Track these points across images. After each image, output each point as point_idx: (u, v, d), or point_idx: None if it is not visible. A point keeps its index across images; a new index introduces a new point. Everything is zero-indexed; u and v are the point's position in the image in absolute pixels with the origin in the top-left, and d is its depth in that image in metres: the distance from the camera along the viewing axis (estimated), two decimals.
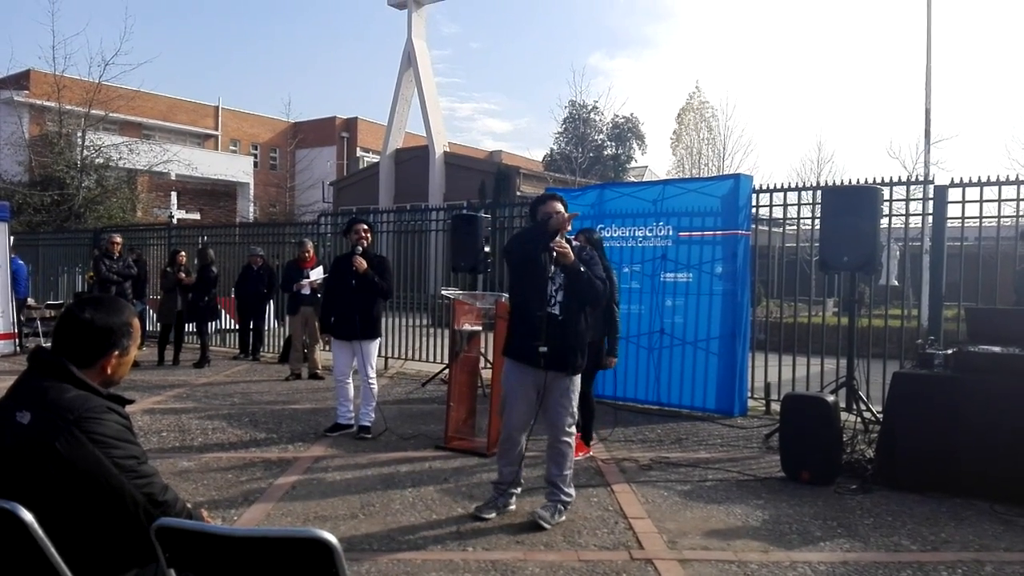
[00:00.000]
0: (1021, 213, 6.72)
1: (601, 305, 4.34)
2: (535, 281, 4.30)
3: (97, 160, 24.15)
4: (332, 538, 1.70)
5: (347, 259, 6.54)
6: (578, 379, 4.46)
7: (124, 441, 2.10)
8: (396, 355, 11.05)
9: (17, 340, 12.02)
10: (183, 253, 11.34)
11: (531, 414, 4.45)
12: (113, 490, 2.03)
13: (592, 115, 34.23)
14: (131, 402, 2.32)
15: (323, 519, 4.43)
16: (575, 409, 4.45)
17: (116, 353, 2.25)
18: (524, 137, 77.22)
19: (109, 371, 2.25)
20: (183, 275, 10.86)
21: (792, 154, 66.38)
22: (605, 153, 34.89)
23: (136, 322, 2.36)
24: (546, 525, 4.26)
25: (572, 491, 4.52)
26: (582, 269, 4.18)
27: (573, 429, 4.48)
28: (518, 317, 4.44)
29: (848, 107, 55.12)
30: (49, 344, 2.32)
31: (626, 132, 35.39)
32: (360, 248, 6.50)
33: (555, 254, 4.14)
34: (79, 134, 23.93)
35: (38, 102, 25.72)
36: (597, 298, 4.32)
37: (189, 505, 2.26)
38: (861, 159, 49.94)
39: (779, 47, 59.35)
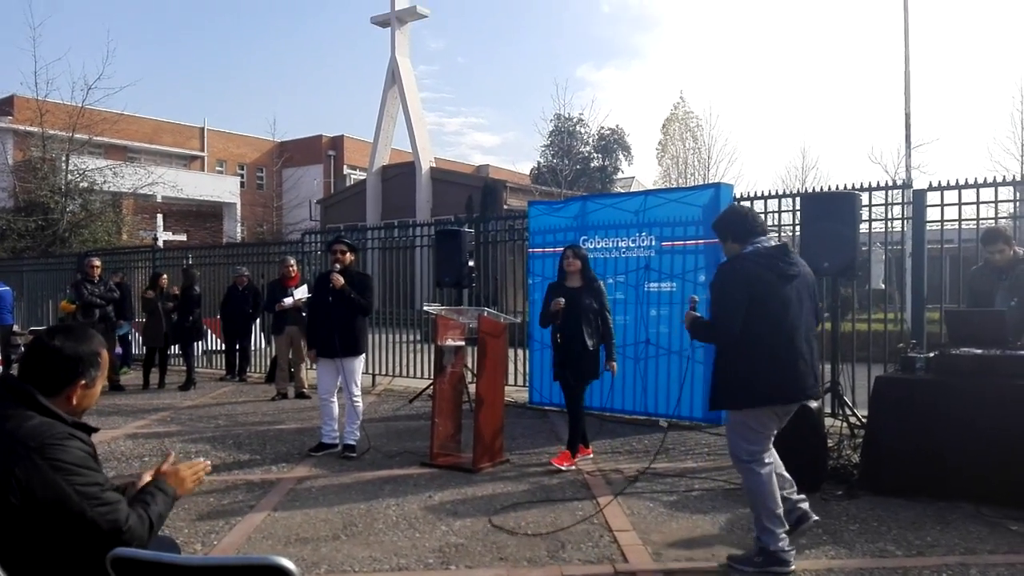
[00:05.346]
0: (1000, 215, 6.75)
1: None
2: None
3: (81, 184, 23.99)
4: (291, 564, 1.67)
5: (327, 277, 6.52)
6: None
7: (86, 468, 2.08)
8: (384, 372, 11.00)
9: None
10: (165, 276, 11.28)
11: None
12: (74, 517, 2.01)
13: (578, 127, 34.40)
14: (96, 430, 2.30)
15: (304, 541, 4.38)
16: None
17: (83, 383, 2.24)
18: (512, 151, 77.62)
19: (75, 401, 2.24)
20: (151, 293, 10.81)
21: (777, 161, 66.84)
22: (592, 165, 35.04)
23: (105, 353, 2.35)
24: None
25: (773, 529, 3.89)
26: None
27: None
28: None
29: (831, 113, 55.70)
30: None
31: (612, 144, 35.60)
32: (337, 267, 6.49)
33: None
34: (63, 158, 23.78)
35: (21, 128, 25.64)
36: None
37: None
38: (845, 165, 50.42)
39: (763, 55, 59.86)
